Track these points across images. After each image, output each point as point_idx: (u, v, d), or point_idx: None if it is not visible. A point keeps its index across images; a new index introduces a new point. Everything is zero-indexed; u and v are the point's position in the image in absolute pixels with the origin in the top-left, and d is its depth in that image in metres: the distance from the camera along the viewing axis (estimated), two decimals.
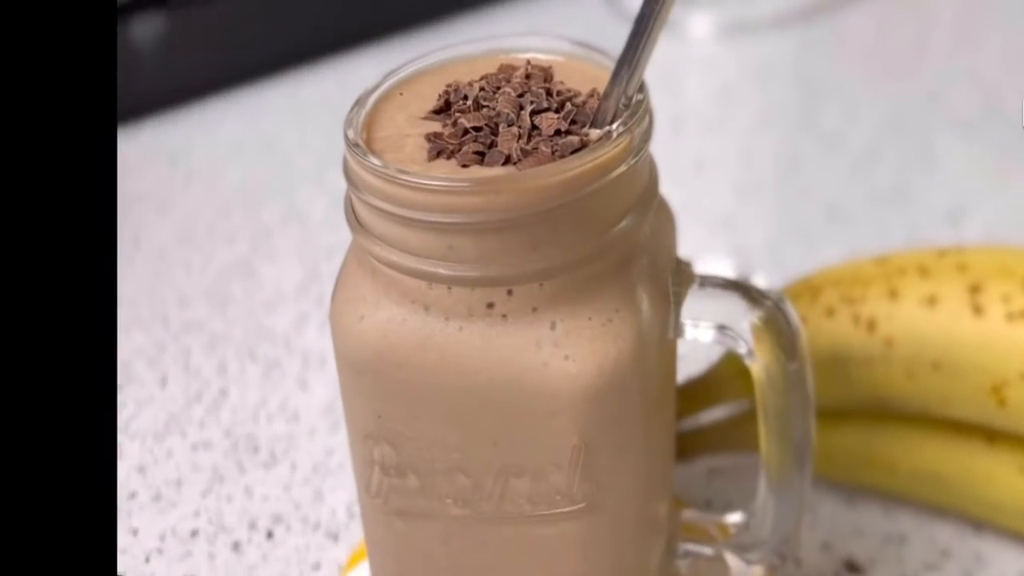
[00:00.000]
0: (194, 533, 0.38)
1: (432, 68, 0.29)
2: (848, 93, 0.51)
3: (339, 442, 0.41)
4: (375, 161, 0.25)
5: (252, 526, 0.38)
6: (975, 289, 0.29)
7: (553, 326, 0.25)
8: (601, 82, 0.27)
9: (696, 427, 0.34)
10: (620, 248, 0.25)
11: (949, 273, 0.30)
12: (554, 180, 0.23)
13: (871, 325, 0.30)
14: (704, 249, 0.43)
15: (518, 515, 0.27)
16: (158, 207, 0.57)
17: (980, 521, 0.31)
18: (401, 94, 0.29)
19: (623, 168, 0.24)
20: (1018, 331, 0.28)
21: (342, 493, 0.38)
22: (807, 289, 0.32)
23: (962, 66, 0.51)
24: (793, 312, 0.26)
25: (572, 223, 0.24)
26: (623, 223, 0.25)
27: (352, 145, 0.26)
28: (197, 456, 0.41)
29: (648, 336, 0.25)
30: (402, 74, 0.29)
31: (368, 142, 0.26)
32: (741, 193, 0.47)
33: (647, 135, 0.25)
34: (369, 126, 0.27)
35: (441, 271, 0.25)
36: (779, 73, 0.53)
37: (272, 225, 0.54)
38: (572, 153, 0.24)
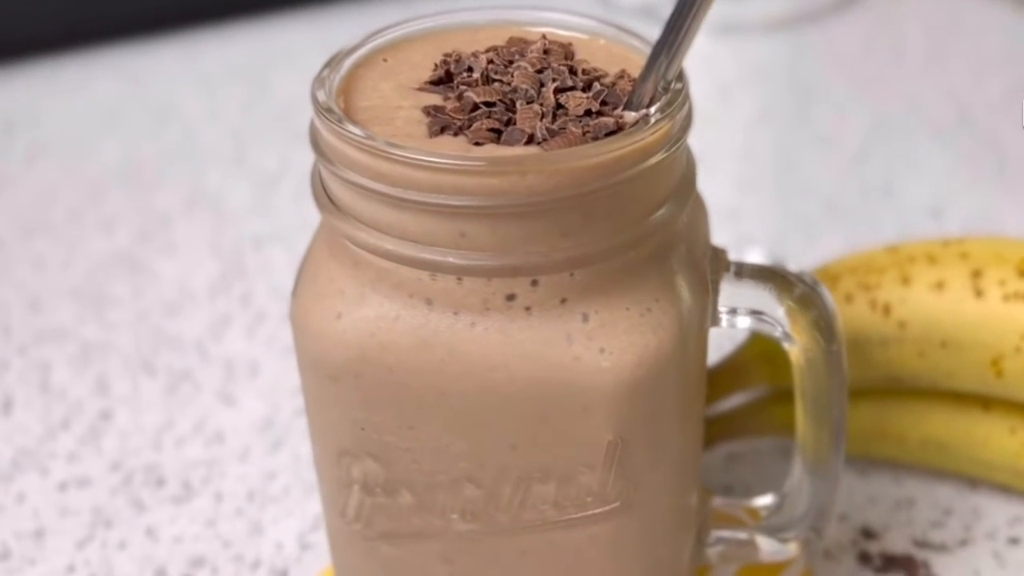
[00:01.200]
0: None
1: (424, 34, 0.33)
2: (837, 98, 0.64)
3: (282, 463, 0.44)
4: (356, 131, 0.28)
5: (159, 575, 0.40)
6: (976, 274, 0.37)
7: (586, 318, 0.29)
8: (629, 63, 0.31)
9: (715, 414, 0.41)
10: (658, 236, 0.29)
11: (953, 260, 0.38)
12: (590, 163, 0.27)
13: (886, 309, 0.38)
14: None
15: (540, 523, 0.31)
16: None
17: (976, 479, 0.41)
18: (386, 60, 0.32)
19: (663, 155, 0.28)
20: (1013, 310, 0.37)
21: (290, 522, 0.41)
22: (825, 277, 0.40)
23: (935, 80, 0.66)
24: (829, 295, 0.31)
25: (608, 209, 0.28)
26: (662, 211, 0.29)
27: (323, 111, 0.29)
28: (67, 498, 0.42)
29: (688, 325, 0.30)
30: (386, 37, 0.33)
31: (346, 111, 0.30)
32: (742, 186, 0.56)
33: (688, 122, 0.29)
34: (345, 93, 0.31)
35: (451, 260, 0.28)
36: (772, 75, 0.65)
37: (171, 212, 0.56)
38: (607, 135, 0.28)
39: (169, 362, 0.48)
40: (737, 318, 0.32)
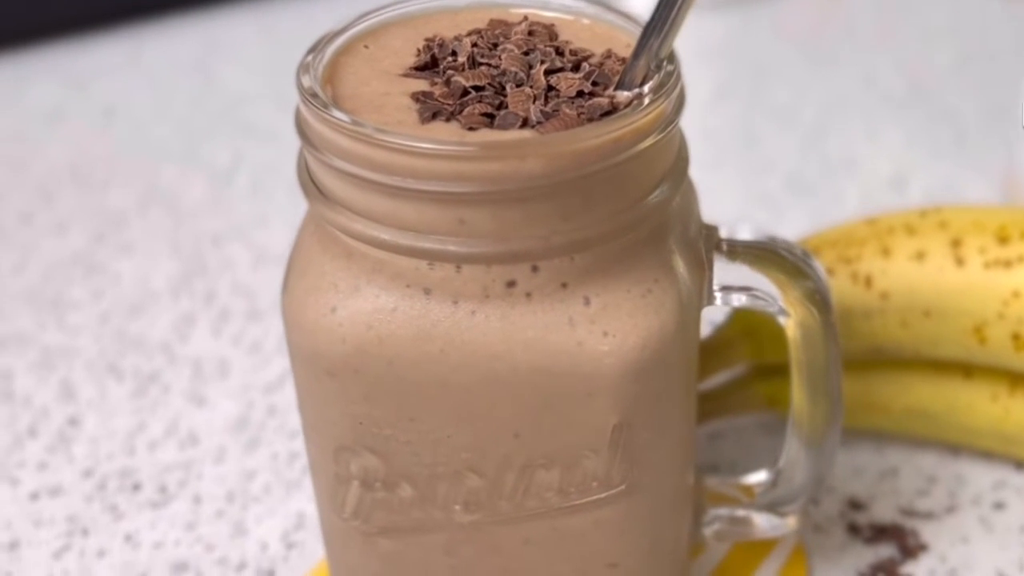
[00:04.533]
0: None
1: (403, 19, 0.32)
2: (792, 74, 0.65)
3: (260, 462, 0.43)
4: (349, 120, 0.27)
5: None
6: (956, 243, 0.38)
7: (587, 301, 0.28)
8: (615, 42, 0.31)
9: (697, 393, 0.41)
10: (656, 217, 0.29)
11: (932, 230, 0.38)
12: (589, 144, 0.27)
13: (868, 281, 0.38)
14: None
15: (544, 510, 0.30)
16: None
17: (958, 446, 0.41)
18: (366, 47, 0.32)
19: (660, 135, 0.28)
20: (994, 278, 0.37)
21: (274, 521, 0.41)
22: None
23: (887, 53, 0.66)
24: (820, 266, 0.32)
25: (607, 191, 0.28)
26: (659, 191, 0.29)
27: (309, 96, 0.28)
28: (40, 507, 0.41)
29: (688, 305, 0.30)
30: (365, 24, 0.32)
31: (333, 100, 0.29)
32: (703, 166, 0.56)
33: (681, 101, 0.29)
34: (331, 82, 0.30)
35: (451, 248, 0.28)
36: (724, 54, 0.66)
37: (126, 211, 0.55)
38: (602, 116, 0.28)
39: (136, 364, 0.47)
40: (732, 295, 0.32)
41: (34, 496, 0.42)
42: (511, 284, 0.28)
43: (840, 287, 0.38)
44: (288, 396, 0.46)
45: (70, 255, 0.53)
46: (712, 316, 0.41)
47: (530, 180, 0.27)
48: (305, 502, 0.41)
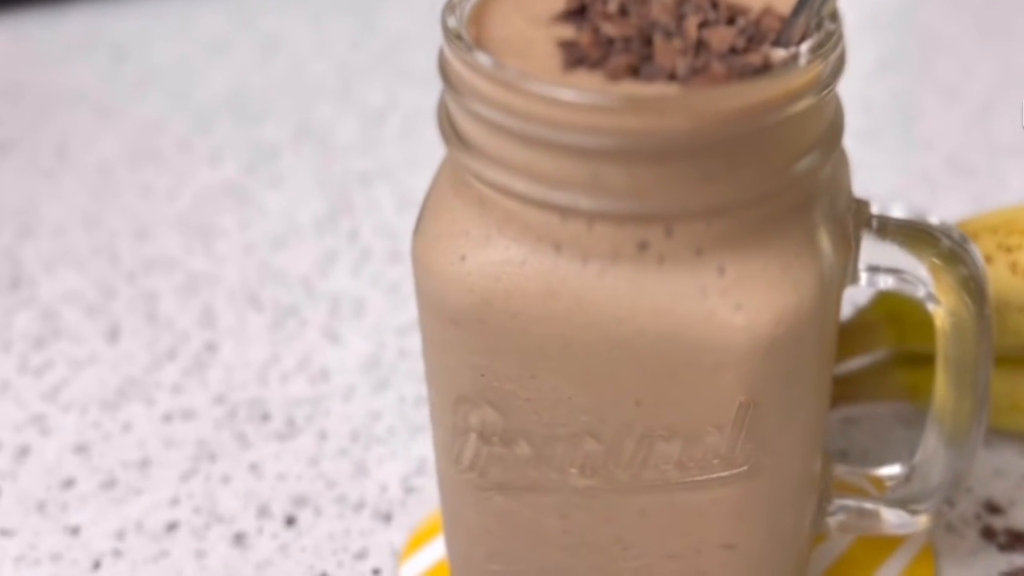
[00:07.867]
0: (171, 527, 0.38)
1: None
2: (962, 48, 0.60)
3: (387, 404, 0.42)
4: (489, 62, 0.26)
5: (263, 512, 0.38)
6: None
7: (722, 271, 0.26)
8: None
9: (834, 375, 0.38)
10: (802, 187, 0.27)
11: None
12: (735, 104, 0.25)
13: None
14: None
15: (661, 483, 0.29)
16: (97, 111, 0.57)
17: None
18: None
19: (814, 99, 0.26)
20: None
21: (394, 465, 0.40)
22: None
23: None
24: (978, 253, 0.29)
25: (752, 155, 0.26)
26: (807, 159, 0.27)
27: (454, 38, 0.27)
28: (172, 429, 0.41)
29: (829, 283, 0.27)
30: None
31: (478, 41, 0.27)
32: (861, 139, 0.52)
33: (840, 65, 0.27)
34: (476, 22, 0.28)
35: (582, 204, 0.26)
36: (893, 23, 0.61)
37: (278, 144, 0.55)
38: (754, 74, 0.26)
39: (275, 296, 0.47)
40: (879, 276, 0.29)
41: (167, 418, 0.42)
42: (643, 246, 0.26)
43: (997, 276, 0.35)
44: (420, 340, 0.45)
45: (221, 184, 0.53)
46: (855, 297, 0.39)
47: (668, 138, 0.25)
48: (427, 448, 0.40)
